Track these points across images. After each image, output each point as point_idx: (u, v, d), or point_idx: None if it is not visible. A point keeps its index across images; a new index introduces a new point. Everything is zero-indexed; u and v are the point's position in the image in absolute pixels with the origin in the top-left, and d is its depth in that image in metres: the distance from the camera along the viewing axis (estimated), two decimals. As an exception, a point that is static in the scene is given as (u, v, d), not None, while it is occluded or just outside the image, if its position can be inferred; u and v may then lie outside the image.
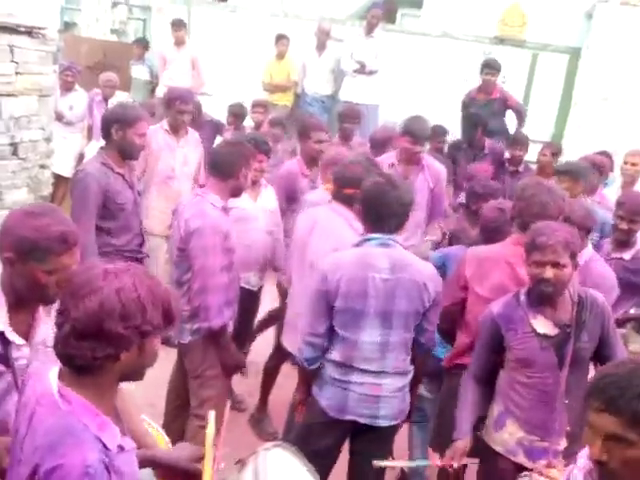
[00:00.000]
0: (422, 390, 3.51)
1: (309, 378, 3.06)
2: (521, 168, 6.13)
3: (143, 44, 8.81)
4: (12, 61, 4.04)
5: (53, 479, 1.51)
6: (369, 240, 2.93)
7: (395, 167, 4.69)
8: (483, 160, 6.37)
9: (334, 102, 8.29)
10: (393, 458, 3.15)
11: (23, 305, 2.11)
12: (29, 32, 4.15)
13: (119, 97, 7.51)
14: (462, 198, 4.84)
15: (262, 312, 4.63)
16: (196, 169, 5.16)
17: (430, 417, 3.66)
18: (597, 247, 4.05)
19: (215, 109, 7.40)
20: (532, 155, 6.53)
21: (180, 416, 3.58)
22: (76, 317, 1.56)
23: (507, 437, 2.83)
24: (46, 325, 2.16)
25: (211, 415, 2.09)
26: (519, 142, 6.26)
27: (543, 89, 8.27)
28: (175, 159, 4.97)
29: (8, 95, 4.02)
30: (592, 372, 2.87)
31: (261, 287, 4.39)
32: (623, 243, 3.95)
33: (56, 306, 2.06)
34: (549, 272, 2.64)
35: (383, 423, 2.95)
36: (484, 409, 2.92)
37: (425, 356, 3.10)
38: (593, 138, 7.06)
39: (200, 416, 3.39)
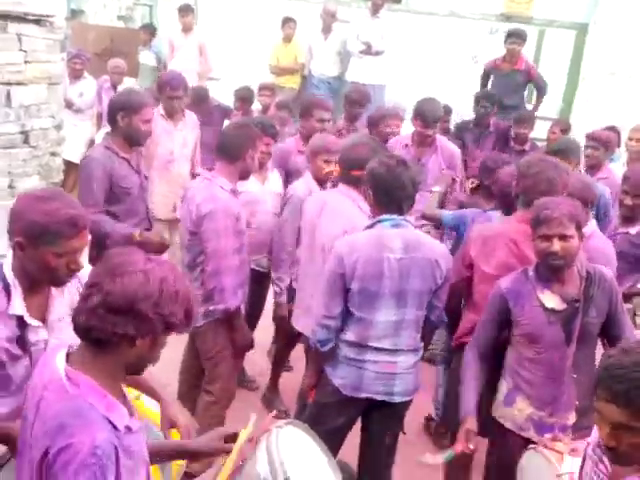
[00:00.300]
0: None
1: (321, 360, 3.08)
2: (527, 146, 6.02)
3: (150, 30, 8.79)
4: (21, 50, 4.06)
5: (62, 459, 1.54)
6: (382, 221, 2.95)
7: (409, 148, 4.70)
8: (487, 138, 6.36)
9: (341, 83, 8.26)
10: (404, 433, 3.19)
11: (36, 288, 2.15)
12: (37, 20, 4.17)
13: (127, 83, 7.53)
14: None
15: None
16: (192, 150, 5.15)
17: None
18: (603, 223, 4.06)
19: (223, 94, 7.40)
20: (541, 132, 6.50)
21: (194, 395, 3.65)
22: (110, 290, 1.60)
23: (517, 413, 2.86)
24: (60, 302, 2.20)
25: (252, 418, 2.10)
26: (524, 120, 6.12)
27: (550, 65, 8.20)
28: (174, 142, 4.96)
29: (18, 84, 4.04)
30: (600, 349, 2.91)
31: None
32: (629, 218, 3.93)
33: (69, 285, 2.14)
34: (556, 245, 2.65)
35: (398, 399, 3.00)
36: (484, 385, 2.95)
37: (432, 333, 3.16)
38: (601, 113, 7.01)
39: (211, 392, 3.50)
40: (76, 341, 1.71)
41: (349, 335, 2.97)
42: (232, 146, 3.39)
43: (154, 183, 4.72)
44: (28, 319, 2.12)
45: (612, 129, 5.64)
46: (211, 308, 3.36)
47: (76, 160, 7.31)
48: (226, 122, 7.14)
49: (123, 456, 1.60)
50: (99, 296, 1.61)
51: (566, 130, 6.23)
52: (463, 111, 6.92)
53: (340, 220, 3.34)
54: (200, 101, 6.66)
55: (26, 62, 4.11)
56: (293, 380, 3.94)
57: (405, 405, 3.09)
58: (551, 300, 2.75)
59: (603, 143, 5.16)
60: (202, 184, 3.44)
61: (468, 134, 6.39)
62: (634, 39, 7.24)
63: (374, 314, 2.92)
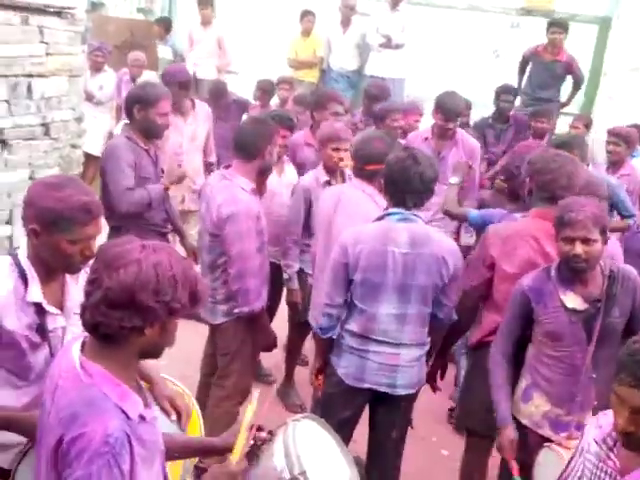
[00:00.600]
0: None
1: (324, 347, 3.13)
2: (546, 141, 5.91)
3: (165, 24, 8.74)
4: (42, 42, 4.07)
5: (75, 448, 1.55)
6: (390, 215, 2.96)
7: (429, 141, 4.68)
8: (507, 132, 6.31)
9: (360, 77, 8.23)
10: (412, 427, 3.18)
11: (52, 275, 2.15)
12: (58, 13, 4.18)
13: (147, 76, 7.55)
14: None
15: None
16: (204, 141, 5.15)
17: None
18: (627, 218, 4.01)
19: (241, 87, 7.41)
20: (562, 128, 6.44)
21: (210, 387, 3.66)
22: (109, 286, 1.59)
23: (534, 410, 2.85)
24: (75, 289, 2.20)
25: (255, 394, 2.11)
26: (543, 113, 6.03)
27: (573, 60, 8.10)
28: (183, 136, 4.96)
29: (39, 76, 4.06)
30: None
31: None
32: None
33: (82, 273, 2.14)
34: (579, 248, 2.62)
35: (401, 392, 2.99)
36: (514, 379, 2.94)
37: (441, 332, 3.12)
38: (623, 109, 6.92)
39: (223, 387, 3.49)
40: None
41: (352, 326, 2.99)
42: (250, 143, 3.36)
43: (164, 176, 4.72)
44: (46, 306, 2.13)
45: (635, 126, 5.57)
46: (236, 310, 3.34)
47: (96, 152, 7.37)
48: (244, 116, 7.16)
49: (137, 445, 1.61)
50: (99, 292, 1.60)
51: (588, 125, 6.17)
52: (483, 105, 6.84)
53: (356, 216, 3.33)
54: (219, 96, 6.67)
55: (47, 54, 4.12)
56: (308, 374, 3.94)
57: (409, 398, 3.07)
58: (573, 301, 2.73)
59: (624, 139, 5.12)
60: (221, 183, 3.39)
61: (489, 130, 6.34)
62: (658, 34, 7.15)
63: (377, 307, 2.92)
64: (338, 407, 3.06)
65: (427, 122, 5.25)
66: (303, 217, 4.00)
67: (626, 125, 5.59)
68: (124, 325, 1.60)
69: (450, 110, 4.59)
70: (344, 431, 2.93)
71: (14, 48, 3.88)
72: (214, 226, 3.32)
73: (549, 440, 2.74)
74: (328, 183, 3.93)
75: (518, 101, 7.09)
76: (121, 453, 1.55)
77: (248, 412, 2.07)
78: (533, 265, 2.94)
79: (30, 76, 4.01)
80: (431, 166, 2.98)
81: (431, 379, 3.30)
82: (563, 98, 7.22)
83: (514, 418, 2.91)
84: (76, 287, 2.20)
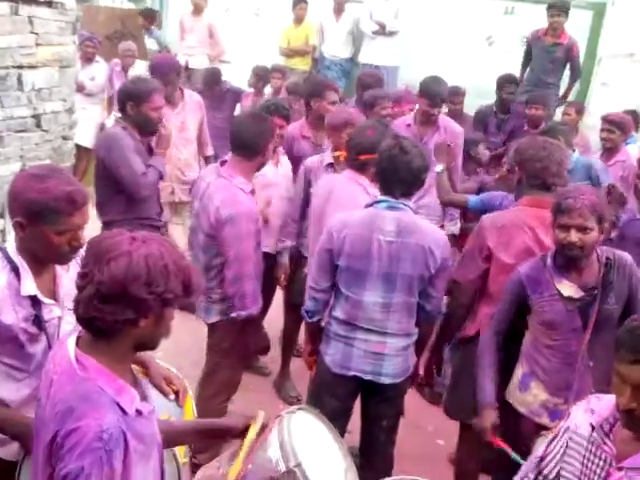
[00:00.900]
0: None
1: (312, 331, 3.17)
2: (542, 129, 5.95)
3: (149, 15, 8.61)
4: (32, 32, 4.03)
5: (69, 441, 1.54)
6: (379, 202, 2.96)
7: (411, 127, 4.66)
8: (508, 122, 6.28)
9: (353, 65, 8.19)
10: (403, 416, 3.17)
11: (42, 266, 2.15)
12: (48, 2, 4.14)
13: (138, 66, 7.51)
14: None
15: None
16: (196, 132, 5.08)
17: None
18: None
19: (234, 77, 7.36)
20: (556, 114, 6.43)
21: None
22: (101, 280, 1.57)
23: (531, 399, 2.86)
24: (67, 278, 2.19)
25: (260, 415, 2.09)
26: (537, 100, 5.92)
27: (567, 46, 8.06)
28: (172, 126, 4.92)
29: (29, 67, 4.02)
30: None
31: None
32: None
33: (72, 262, 2.13)
34: (574, 236, 2.62)
35: (385, 380, 2.99)
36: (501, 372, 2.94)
37: (430, 324, 3.10)
38: (618, 95, 6.90)
39: (210, 384, 3.45)
40: None
41: (339, 313, 3.00)
42: (251, 142, 3.30)
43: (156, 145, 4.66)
44: (41, 298, 2.13)
45: (631, 113, 5.56)
46: (233, 315, 3.30)
47: (87, 144, 7.34)
48: (238, 106, 7.13)
49: (133, 440, 1.60)
50: (91, 287, 1.59)
51: (580, 111, 6.15)
52: (474, 92, 6.79)
53: (347, 207, 3.30)
54: (213, 82, 6.64)
55: (37, 45, 4.08)
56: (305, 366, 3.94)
57: (398, 388, 3.07)
58: (568, 289, 2.73)
59: (618, 125, 5.11)
60: (219, 182, 3.31)
61: (491, 119, 6.30)
62: (653, 20, 7.11)
63: (362, 294, 2.93)
64: (326, 395, 3.07)
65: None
66: (302, 196, 4.01)
67: (623, 111, 5.58)
68: (118, 318, 1.59)
69: (435, 95, 4.56)
70: (337, 421, 2.93)
71: (4, 39, 3.85)
72: (211, 227, 3.26)
73: (544, 428, 2.74)
74: (331, 166, 3.90)
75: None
76: (114, 450, 1.54)
77: (251, 432, 2.04)
78: (530, 254, 2.93)
79: (20, 67, 3.97)
80: (420, 156, 2.95)
81: (427, 376, 3.30)
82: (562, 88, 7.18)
83: (511, 406, 2.92)
84: (67, 275, 2.19)
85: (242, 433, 2.06)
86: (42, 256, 2.12)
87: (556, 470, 1.96)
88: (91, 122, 7.35)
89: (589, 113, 6.76)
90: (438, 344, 3.30)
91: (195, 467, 2.41)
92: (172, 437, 1.87)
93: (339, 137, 3.95)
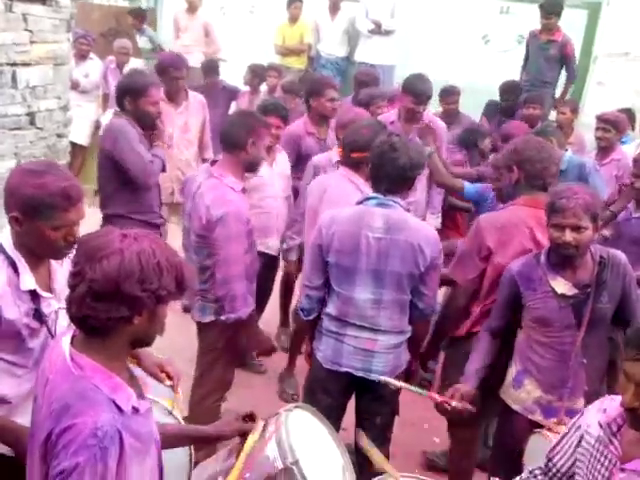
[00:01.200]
0: None
1: (308, 329, 3.18)
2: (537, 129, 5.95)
3: (139, 15, 8.54)
4: (26, 30, 4.02)
5: (64, 439, 1.53)
6: (369, 199, 2.97)
7: (395, 124, 4.66)
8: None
9: (349, 64, 8.19)
10: (398, 415, 3.17)
11: (38, 261, 2.15)
12: (42, 0, 4.13)
13: (133, 64, 7.49)
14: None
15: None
16: (198, 134, 5.08)
17: None
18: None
19: (229, 75, 7.35)
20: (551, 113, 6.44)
21: None
22: (93, 278, 1.56)
23: (525, 396, 2.86)
24: (61, 272, 2.20)
25: (260, 424, 2.09)
26: (535, 99, 5.91)
27: (562, 46, 8.08)
28: (174, 126, 4.88)
29: (23, 64, 4.01)
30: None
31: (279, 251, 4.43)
32: None
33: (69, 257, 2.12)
34: (569, 235, 2.62)
35: (376, 377, 2.97)
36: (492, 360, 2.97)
37: (424, 323, 3.08)
38: (613, 94, 6.92)
39: (202, 384, 3.42)
40: None
41: (331, 309, 3.00)
42: (232, 137, 3.25)
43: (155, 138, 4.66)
44: (40, 292, 2.14)
45: (625, 111, 5.57)
46: (223, 318, 3.26)
47: (82, 142, 7.33)
48: (233, 104, 7.13)
49: (130, 438, 1.59)
50: (84, 285, 1.58)
51: (575, 110, 6.15)
52: (471, 91, 6.80)
53: (340, 206, 3.27)
54: (211, 73, 6.64)
55: (32, 42, 4.07)
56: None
57: (387, 385, 3.04)
58: (562, 286, 2.73)
59: (614, 124, 5.12)
60: (210, 182, 3.26)
61: (496, 117, 6.32)
62: (648, 19, 7.13)
63: (352, 290, 2.93)
64: (319, 391, 3.07)
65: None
66: None
67: (618, 109, 5.59)
68: (111, 316, 1.58)
69: (422, 93, 4.56)
70: (331, 417, 2.93)
71: (-2, 36, 3.83)
72: (202, 227, 3.20)
73: (538, 425, 2.75)
74: (340, 163, 3.90)
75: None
76: (108, 448, 1.53)
77: (249, 441, 2.04)
78: (527, 254, 2.93)
79: (15, 65, 3.96)
80: (407, 155, 2.93)
81: (423, 366, 3.30)
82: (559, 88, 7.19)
83: (504, 404, 2.93)
84: (61, 269, 2.20)
85: (242, 436, 2.07)
86: (38, 251, 2.13)
87: (567, 464, 1.97)
88: (86, 120, 7.34)
89: (584, 112, 6.78)
90: (434, 341, 3.29)
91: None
92: (164, 441, 1.86)
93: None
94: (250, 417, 2.11)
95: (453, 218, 5.02)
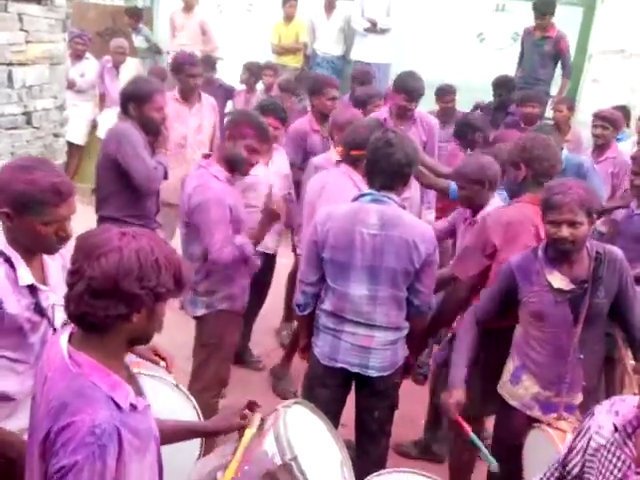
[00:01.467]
0: None
1: (304, 324, 3.20)
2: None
3: (134, 14, 8.53)
4: (22, 30, 4.01)
5: (62, 437, 1.54)
6: (364, 196, 2.98)
7: (387, 122, 4.68)
8: (504, 119, 6.30)
9: (344, 63, 8.19)
10: (397, 409, 3.17)
11: (32, 255, 2.17)
12: (38, 0, 4.13)
13: (129, 63, 7.49)
14: None
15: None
16: (210, 135, 5.11)
17: None
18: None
19: (225, 73, 7.35)
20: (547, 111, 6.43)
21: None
22: (92, 275, 1.57)
23: (523, 392, 2.87)
24: (54, 266, 2.23)
25: (257, 417, 2.09)
26: (532, 98, 5.87)
27: (557, 43, 8.09)
28: (187, 127, 4.91)
29: (20, 64, 4.01)
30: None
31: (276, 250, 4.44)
32: None
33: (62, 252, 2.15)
34: (565, 231, 2.63)
35: (373, 373, 2.99)
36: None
37: (421, 319, 3.09)
38: (609, 92, 6.93)
39: (199, 379, 3.44)
40: None
41: (327, 305, 3.02)
42: (222, 132, 3.35)
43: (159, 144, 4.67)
44: (39, 286, 2.16)
45: (620, 108, 5.59)
46: (219, 307, 3.32)
47: (78, 141, 7.32)
48: (229, 103, 7.12)
49: (129, 435, 1.59)
50: (82, 283, 1.58)
51: (572, 108, 6.16)
52: (466, 89, 6.80)
53: (337, 201, 3.30)
54: (209, 68, 6.64)
55: (27, 42, 4.06)
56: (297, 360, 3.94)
57: (389, 383, 3.07)
58: (559, 281, 2.74)
59: (611, 122, 5.14)
60: (197, 172, 3.35)
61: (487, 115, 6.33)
62: (643, 16, 7.14)
63: (347, 286, 2.94)
64: (317, 386, 3.08)
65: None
66: None
67: (613, 107, 5.60)
68: (110, 314, 1.59)
69: (413, 91, 4.60)
70: (329, 412, 2.93)
71: (-7, 36, 3.83)
72: (186, 215, 3.28)
73: (536, 421, 2.76)
74: (340, 162, 3.91)
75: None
76: (107, 445, 1.53)
77: (247, 435, 2.04)
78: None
79: (11, 64, 3.95)
80: (403, 150, 2.95)
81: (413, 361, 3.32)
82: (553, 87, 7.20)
83: (502, 400, 2.93)
84: (54, 263, 2.23)
85: (239, 431, 2.08)
86: (30, 246, 2.14)
87: (578, 467, 1.96)
88: (82, 119, 7.33)
89: (580, 110, 6.79)
90: (428, 332, 3.31)
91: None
92: (163, 437, 1.87)
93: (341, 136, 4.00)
94: (250, 407, 2.12)
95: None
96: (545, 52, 6.75)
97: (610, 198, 4.89)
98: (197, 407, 2.52)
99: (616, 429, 1.83)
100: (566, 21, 7.29)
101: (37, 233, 2.08)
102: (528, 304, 2.81)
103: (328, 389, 3.07)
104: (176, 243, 4.31)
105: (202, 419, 2.47)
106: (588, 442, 1.91)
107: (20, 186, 2.03)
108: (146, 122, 3.75)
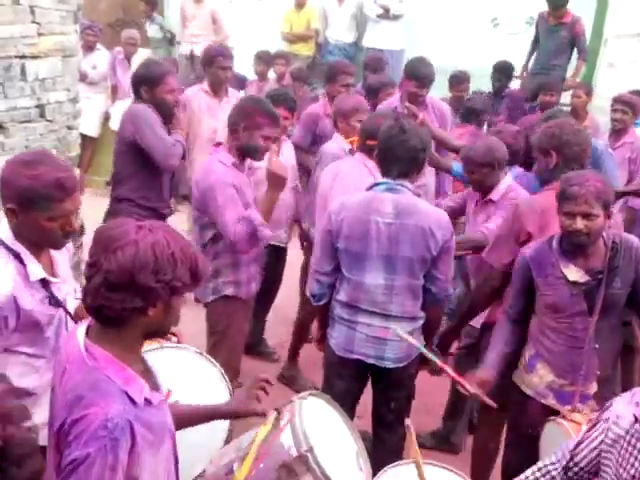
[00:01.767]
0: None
1: (320, 314, 3.20)
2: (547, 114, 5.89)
3: (151, 2, 8.51)
4: (34, 22, 4.00)
5: (76, 429, 1.55)
6: (378, 185, 2.97)
7: (397, 110, 4.65)
8: (501, 104, 6.28)
9: (357, 50, 8.14)
10: (414, 399, 3.17)
11: (39, 249, 2.18)
12: (49, -8, 4.12)
13: (141, 54, 7.48)
14: None
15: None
16: None
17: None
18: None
19: (237, 63, 7.31)
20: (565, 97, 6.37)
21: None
22: (109, 269, 1.58)
23: (537, 380, 2.85)
24: (61, 259, 2.25)
25: (272, 415, 2.09)
26: (550, 86, 5.92)
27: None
28: (218, 120, 4.84)
29: (32, 57, 4.00)
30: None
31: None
32: None
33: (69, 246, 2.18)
34: (580, 223, 2.60)
35: (389, 365, 2.98)
36: (515, 348, 2.97)
37: (438, 307, 3.08)
38: (625, 76, 6.83)
39: None
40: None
41: (342, 295, 3.01)
42: (230, 117, 3.33)
43: (197, 162, 4.58)
44: (50, 279, 2.17)
45: (638, 93, 5.52)
46: (224, 293, 3.33)
47: (91, 133, 7.34)
48: (242, 93, 7.10)
49: (142, 429, 1.60)
50: (99, 276, 1.59)
51: (589, 93, 6.10)
52: (480, 76, 6.76)
53: (350, 186, 3.33)
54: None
55: (40, 34, 4.05)
56: (313, 350, 3.93)
57: (405, 374, 3.05)
58: (574, 273, 2.71)
59: (631, 106, 5.09)
60: (206, 159, 3.39)
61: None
62: (660, -2, 7.04)
63: (363, 276, 2.93)
64: (334, 377, 3.09)
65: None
66: None
67: (629, 91, 5.54)
68: (126, 307, 1.59)
69: (425, 77, 4.57)
70: (345, 403, 2.93)
71: (6, 29, 3.82)
72: (196, 201, 3.31)
73: (550, 409, 2.76)
74: (352, 152, 3.90)
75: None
76: (119, 439, 1.54)
77: (261, 432, 2.04)
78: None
79: (23, 57, 3.95)
80: (418, 136, 2.96)
81: (444, 350, 3.30)
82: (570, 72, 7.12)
83: (517, 388, 2.92)
84: (61, 255, 2.25)
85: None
86: (36, 241, 2.15)
87: (588, 458, 1.95)
88: (95, 111, 7.35)
89: (596, 94, 6.71)
90: (462, 320, 3.30)
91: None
92: (178, 421, 1.88)
93: (347, 124, 4.00)
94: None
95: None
96: (561, 37, 6.69)
97: (627, 184, 4.84)
98: (223, 372, 2.58)
99: (636, 420, 1.81)
100: (581, 5, 7.19)
101: (43, 228, 2.08)
102: (543, 296, 2.79)
103: (343, 380, 3.07)
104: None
105: (228, 383, 2.54)
106: (606, 433, 1.89)
107: (24, 182, 2.03)
108: (159, 104, 3.75)
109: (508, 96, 6.52)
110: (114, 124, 7.47)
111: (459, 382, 2.84)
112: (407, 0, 7.82)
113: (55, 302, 2.17)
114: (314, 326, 4.53)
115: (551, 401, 2.81)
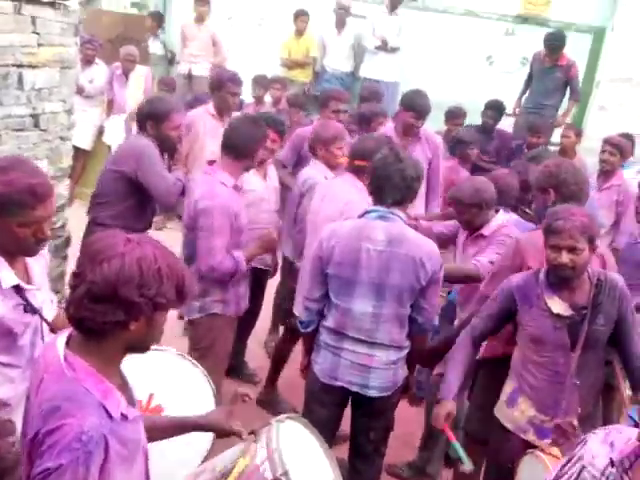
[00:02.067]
0: None
1: (307, 342, 3.18)
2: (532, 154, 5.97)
3: (157, 18, 8.63)
4: (34, 32, 4.02)
5: (50, 439, 1.53)
6: (369, 212, 2.98)
7: (392, 139, 4.69)
8: (490, 144, 6.36)
9: (353, 79, 8.24)
10: (392, 430, 3.15)
11: (13, 257, 2.15)
12: (52, 3, 4.13)
13: (139, 71, 7.53)
14: None
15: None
16: None
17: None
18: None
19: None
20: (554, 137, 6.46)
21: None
22: (93, 280, 1.57)
23: (518, 415, 2.85)
24: (37, 265, 2.22)
25: (252, 447, 2.05)
26: (537, 129, 6.04)
27: (566, 69, 8.13)
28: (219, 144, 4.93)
29: (30, 66, 4.01)
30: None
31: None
32: None
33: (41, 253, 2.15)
34: (565, 257, 2.63)
35: (373, 393, 2.96)
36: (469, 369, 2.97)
37: (423, 337, 3.07)
38: (616, 120, 6.96)
39: None
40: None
41: (329, 321, 3.00)
42: (242, 144, 3.34)
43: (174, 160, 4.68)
44: (25, 285, 2.14)
45: (626, 136, 5.61)
46: (212, 311, 3.32)
47: (84, 146, 7.34)
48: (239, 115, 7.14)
49: (117, 444, 1.58)
50: (83, 287, 1.58)
51: (579, 134, 6.19)
52: (476, 111, 6.85)
53: (338, 202, 3.37)
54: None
55: (39, 45, 4.07)
56: (293, 373, 3.90)
57: (387, 403, 3.03)
58: (558, 306, 2.73)
59: (620, 149, 5.16)
60: (202, 178, 3.39)
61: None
62: (651, 45, 7.19)
63: (351, 302, 2.92)
64: (315, 404, 3.06)
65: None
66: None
67: (618, 134, 5.63)
68: (108, 320, 1.58)
69: (422, 109, 4.65)
70: (325, 430, 2.90)
71: (6, 37, 3.83)
72: (190, 219, 3.31)
73: (531, 445, 2.74)
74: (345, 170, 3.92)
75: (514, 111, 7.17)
76: (93, 452, 1.52)
77: (240, 464, 2.00)
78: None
79: (21, 66, 3.96)
80: (414, 166, 2.99)
81: (429, 364, 3.32)
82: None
83: (498, 422, 2.91)
84: (36, 262, 2.23)
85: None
86: (8, 248, 2.12)
87: None
88: (90, 125, 7.36)
89: (586, 136, 6.81)
90: (448, 346, 3.28)
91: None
92: (154, 434, 1.85)
93: (327, 150, 4.01)
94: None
95: None
96: (556, 79, 6.81)
97: (614, 225, 4.90)
98: (205, 373, 2.61)
99: (612, 464, 1.80)
100: (575, 48, 7.34)
101: (14, 235, 2.06)
102: (526, 328, 2.80)
103: (325, 408, 3.05)
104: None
105: (211, 383, 2.59)
106: (580, 472, 1.88)
107: None
108: (163, 140, 3.80)
109: (497, 136, 6.61)
110: (108, 138, 7.49)
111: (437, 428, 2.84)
112: (405, 34, 7.94)
113: (31, 309, 2.14)
114: (297, 349, 4.53)
115: (531, 437, 2.80)
